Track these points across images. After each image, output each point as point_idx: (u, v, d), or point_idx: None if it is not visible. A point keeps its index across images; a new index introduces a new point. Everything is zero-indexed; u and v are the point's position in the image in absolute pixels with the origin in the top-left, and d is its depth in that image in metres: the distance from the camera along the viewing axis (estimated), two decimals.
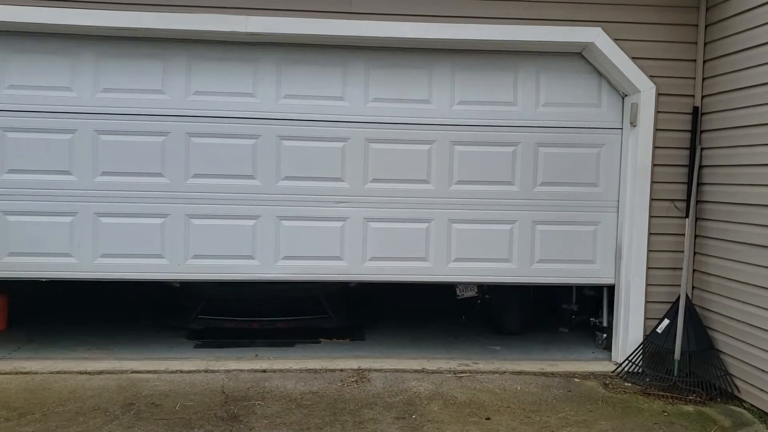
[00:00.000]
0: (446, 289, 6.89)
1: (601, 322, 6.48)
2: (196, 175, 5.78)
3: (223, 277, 5.84)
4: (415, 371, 5.68)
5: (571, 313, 7.08)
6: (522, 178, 6.00)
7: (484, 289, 6.94)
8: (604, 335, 6.39)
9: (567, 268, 6.08)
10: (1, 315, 6.57)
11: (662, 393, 5.31)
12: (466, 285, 7.01)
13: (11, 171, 5.63)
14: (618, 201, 6.03)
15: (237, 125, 5.78)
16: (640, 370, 5.74)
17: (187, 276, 5.85)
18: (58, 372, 5.43)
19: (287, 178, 5.83)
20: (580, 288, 7.01)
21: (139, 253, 5.77)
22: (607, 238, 6.06)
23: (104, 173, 5.70)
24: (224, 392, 5.14)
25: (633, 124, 5.82)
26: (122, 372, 5.50)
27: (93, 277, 5.83)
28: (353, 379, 5.46)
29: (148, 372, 5.51)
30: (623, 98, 5.95)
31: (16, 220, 5.66)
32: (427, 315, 7.61)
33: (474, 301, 7.12)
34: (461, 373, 5.68)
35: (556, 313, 7.34)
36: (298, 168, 5.84)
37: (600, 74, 5.93)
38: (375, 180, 5.91)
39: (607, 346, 6.30)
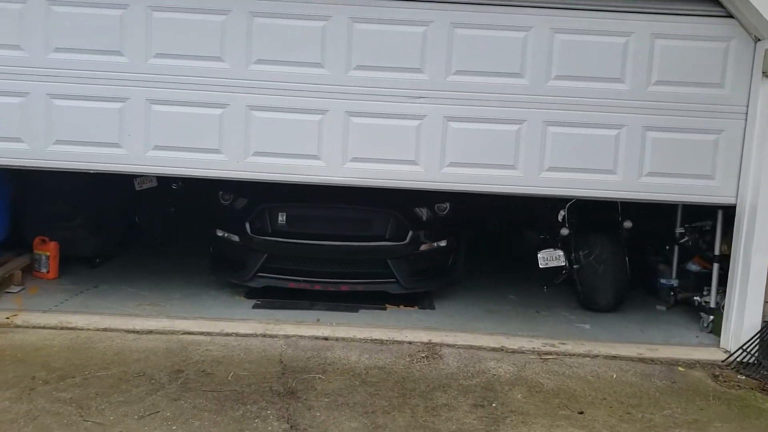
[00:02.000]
0: (528, 260, 6.19)
1: (707, 302, 5.67)
2: (259, 61, 5.11)
3: (284, 177, 5.18)
4: (493, 349, 5.04)
5: (670, 289, 6.28)
6: (633, 74, 5.10)
7: (573, 258, 6.20)
8: (711, 317, 5.58)
9: (680, 184, 5.21)
10: (53, 263, 6.23)
11: None
12: (551, 255, 6.29)
13: (58, 50, 5.07)
14: (747, 106, 5.11)
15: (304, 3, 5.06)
16: (755, 361, 4.95)
17: (245, 174, 5.19)
18: (105, 329, 5.03)
19: (359, 67, 5.10)
20: (682, 261, 6.21)
21: (194, 147, 5.16)
22: (730, 150, 5.16)
23: (158, 55, 5.09)
24: (282, 362, 4.64)
25: None
26: (173, 332, 5.06)
27: (142, 170, 5.42)
28: (423, 354, 4.86)
29: (201, 334, 5.05)
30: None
31: (63, 105, 5.12)
32: (504, 285, 6.92)
33: (559, 271, 6.42)
34: (546, 354, 5.01)
35: (653, 289, 6.56)
36: (372, 56, 5.09)
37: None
38: (459, 72, 5.11)
39: (714, 330, 5.50)
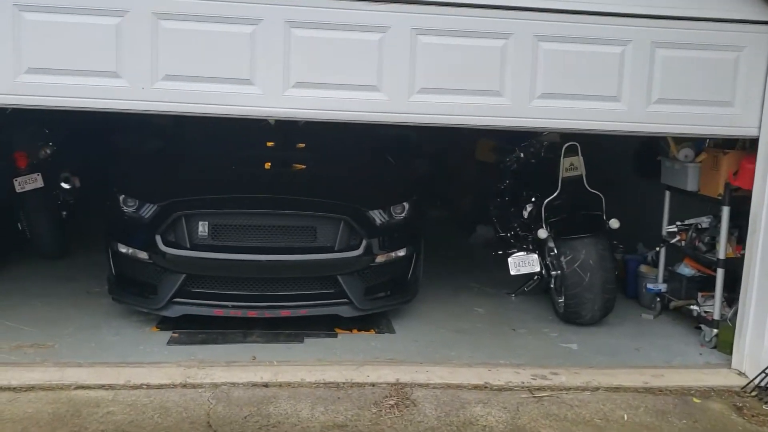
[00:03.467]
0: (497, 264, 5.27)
1: (709, 313, 4.90)
2: None
3: (205, 108, 4.02)
4: (476, 387, 4.09)
5: (657, 295, 5.50)
6: None
7: (551, 264, 5.32)
8: (714, 331, 4.82)
9: (694, 113, 4.36)
10: None
11: None
12: (524, 260, 5.41)
13: None
14: None
15: None
16: None
17: (153, 105, 3.99)
18: None
19: None
20: (669, 263, 5.44)
21: (82, 70, 3.88)
22: (753, 71, 4.34)
23: None
24: (211, 425, 3.52)
25: None
26: (63, 387, 3.84)
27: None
28: (392, 402, 3.85)
29: (101, 387, 3.86)
30: None
31: (37, 20, 3.81)
32: (467, 291, 5.99)
33: (529, 276, 5.56)
34: (539, 390, 4.10)
35: (631, 292, 5.80)
36: None
37: None
38: None
39: (720, 346, 4.76)
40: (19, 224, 6.21)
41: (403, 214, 4.97)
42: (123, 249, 4.73)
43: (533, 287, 5.73)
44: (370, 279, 4.83)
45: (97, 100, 3.95)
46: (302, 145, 6.03)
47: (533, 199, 6.06)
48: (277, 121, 6.29)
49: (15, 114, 5.75)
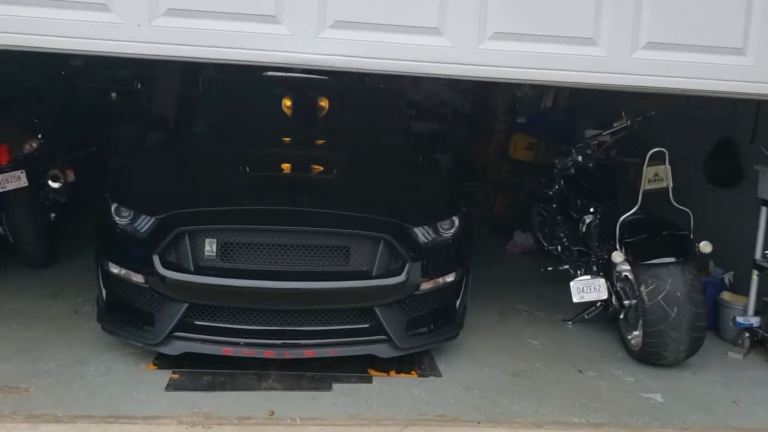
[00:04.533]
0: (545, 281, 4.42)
1: None
2: None
3: (219, 53, 3.27)
4: None
5: (746, 329, 4.65)
6: None
7: (623, 291, 4.47)
8: None
9: (693, 62, 3.57)
10: None
11: None
12: (589, 285, 4.57)
13: None
14: None
15: None
16: None
17: (154, 48, 3.26)
18: None
19: None
20: (762, 292, 4.58)
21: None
22: None
23: None
24: None
25: None
26: None
27: None
28: None
29: None
30: None
31: None
32: (515, 316, 5.15)
33: (592, 305, 4.73)
34: None
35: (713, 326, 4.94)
36: None
37: None
38: None
39: None
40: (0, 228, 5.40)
41: (452, 231, 4.12)
42: (114, 269, 3.90)
43: (595, 314, 4.89)
44: (413, 311, 3.98)
45: (82, 40, 3.24)
46: (322, 142, 5.21)
47: (591, 210, 5.23)
48: (295, 104, 5.52)
49: None
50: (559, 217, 6.02)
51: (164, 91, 9.65)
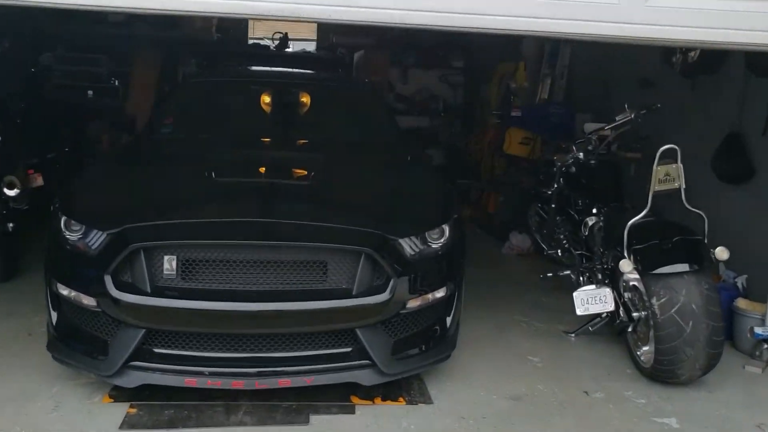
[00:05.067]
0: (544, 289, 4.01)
1: None
2: None
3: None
4: None
5: (764, 340, 4.26)
6: None
7: (631, 303, 4.08)
8: None
9: (722, 9, 3.16)
10: None
11: None
12: (595, 296, 4.18)
13: None
14: None
15: None
16: None
17: None
18: None
19: None
20: None
21: None
22: None
23: None
24: None
25: None
26: None
27: None
28: None
29: None
30: None
31: None
32: (512, 328, 4.75)
33: (597, 316, 4.34)
34: None
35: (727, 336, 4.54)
36: None
37: None
38: None
39: None
40: None
41: (442, 241, 3.70)
42: (64, 291, 3.47)
43: (600, 326, 4.49)
44: (400, 331, 3.57)
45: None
46: (301, 142, 4.81)
47: (594, 211, 4.83)
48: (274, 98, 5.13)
49: None
50: (558, 218, 5.63)
51: (141, 89, 9.19)
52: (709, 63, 5.59)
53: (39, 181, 6.11)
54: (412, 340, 3.61)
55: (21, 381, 3.65)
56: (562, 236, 5.61)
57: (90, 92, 9.75)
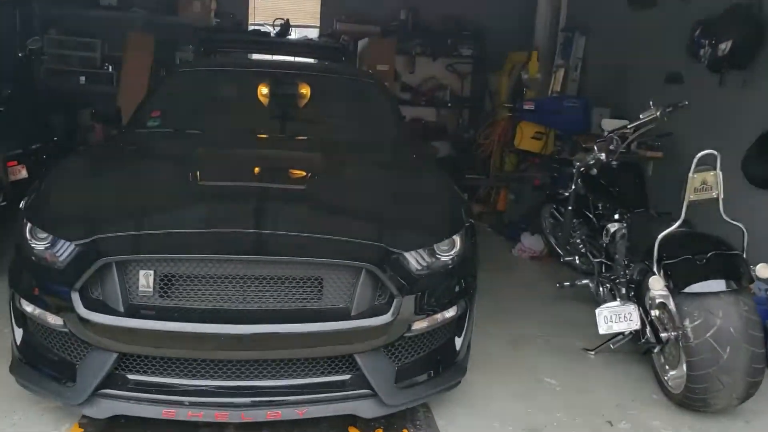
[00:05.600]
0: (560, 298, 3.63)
1: None
2: None
3: None
4: None
5: None
6: None
7: (659, 322, 3.69)
8: None
9: None
10: None
11: None
12: (619, 312, 3.79)
13: None
14: None
15: None
16: None
17: None
18: None
19: None
20: None
21: None
22: None
23: None
24: None
25: None
26: None
27: None
28: None
29: None
30: None
31: None
32: (525, 346, 4.37)
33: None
34: None
35: None
36: None
37: None
38: None
39: None
40: None
41: (452, 253, 3.30)
42: (28, 307, 3.09)
43: (622, 344, 4.11)
44: (404, 357, 3.19)
45: None
46: (297, 139, 4.43)
47: (617, 217, 4.44)
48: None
49: None
50: (575, 221, 5.24)
51: (133, 76, 8.79)
52: (740, 56, 5.20)
53: (22, 173, 5.74)
54: (418, 365, 3.22)
55: None
56: (578, 241, 5.24)
57: (82, 78, 9.37)
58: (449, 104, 10.07)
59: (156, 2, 9.49)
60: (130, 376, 2.99)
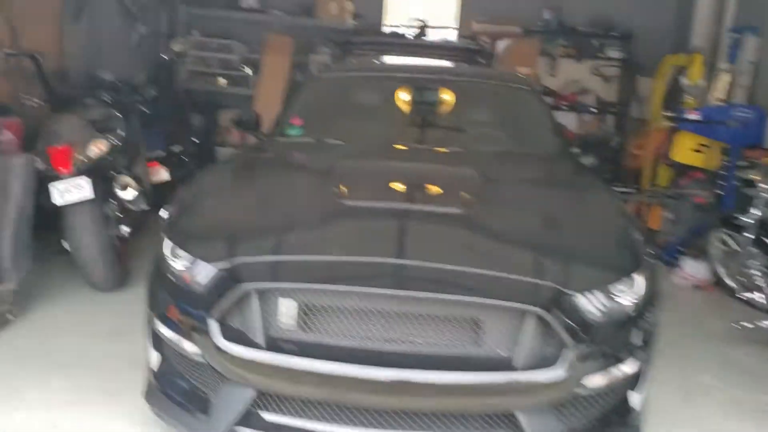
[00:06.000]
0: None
1: None
2: None
3: None
4: None
5: None
6: None
7: None
8: None
9: None
10: None
11: None
12: None
13: None
14: None
15: None
16: None
17: None
18: None
19: None
20: None
21: None
22: None
23: None
24: None
25: None
26: None
27: None
28: None
29: None
30: None
31: None
32: (711, 409, 3.78)
33: None
34: None
35: None
36: None
37: None
38: None
39: None
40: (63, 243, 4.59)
41: (632, 296, 2.82)
42: (165, 332, 2.91)
43: None
44: (575, 417, 2.73)
45: None
46: (446, 152, 4.05)
47: None
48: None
49: None
50: (755, 251, 4.56)
51: (271, 78, 8.76)
52: None
53: (163, 175, 5.75)
54: (590, 428, 2.76)
55: (110, 424, 3.14)
56: (759, 274, 4.55)
57: (224, 81, 9.48)
58: (593, 110, 9.38)
59: (293, 4, 9.44)
60: (267, 417, 2.72)
